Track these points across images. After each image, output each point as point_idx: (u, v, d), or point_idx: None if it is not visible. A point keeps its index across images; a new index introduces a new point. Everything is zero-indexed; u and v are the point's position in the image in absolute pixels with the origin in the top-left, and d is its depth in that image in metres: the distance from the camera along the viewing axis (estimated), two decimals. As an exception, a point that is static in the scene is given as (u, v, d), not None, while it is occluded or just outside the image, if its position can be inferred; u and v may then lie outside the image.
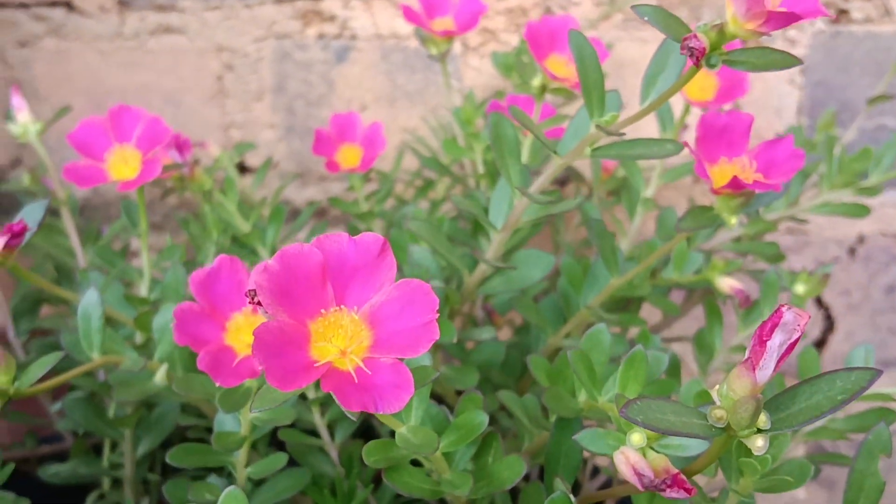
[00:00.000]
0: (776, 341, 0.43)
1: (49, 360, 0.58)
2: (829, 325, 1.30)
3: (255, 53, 1.34)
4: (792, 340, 0.43)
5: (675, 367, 0.82)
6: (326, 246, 0.46)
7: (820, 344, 1.32)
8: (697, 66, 0.53)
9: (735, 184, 0.64)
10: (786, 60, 0.54)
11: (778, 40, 1.18)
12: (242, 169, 1.41)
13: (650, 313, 0.99)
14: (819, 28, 1.16)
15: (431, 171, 1.08)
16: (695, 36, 0.53)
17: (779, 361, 0.44)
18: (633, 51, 1.24)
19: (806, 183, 0.95)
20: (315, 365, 0.43)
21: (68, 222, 0.91)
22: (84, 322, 0.66)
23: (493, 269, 0.72)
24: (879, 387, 1.30)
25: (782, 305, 0.43)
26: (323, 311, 0.46)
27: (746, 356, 0.45)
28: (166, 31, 1.35)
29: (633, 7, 0.56)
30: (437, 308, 0.45)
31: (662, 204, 1.24)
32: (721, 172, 0.68)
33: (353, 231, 1.00)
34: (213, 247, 0.94)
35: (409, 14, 0.92)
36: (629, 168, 0.93)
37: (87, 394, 0.78)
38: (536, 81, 0.88)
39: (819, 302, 1.29)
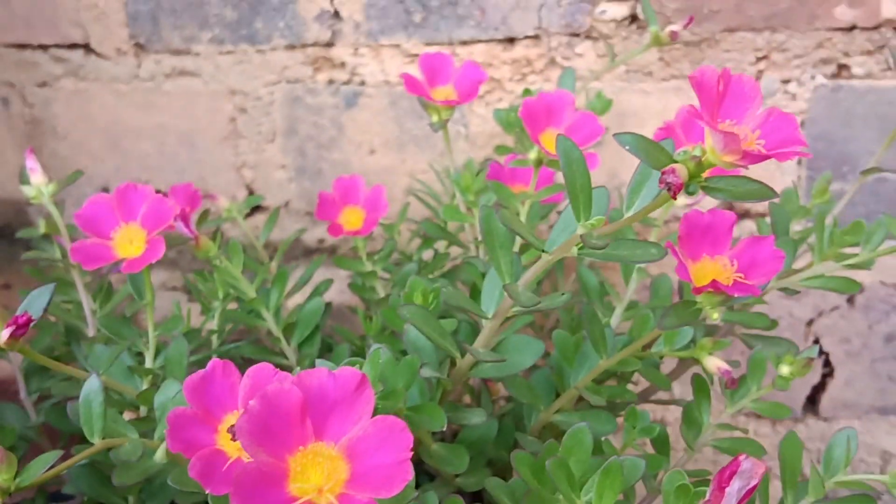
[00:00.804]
0: (734, 487, 0.46)
1: (49, 458, 0.61)
2: (830, 370, 1.32)
3: (267, 97, 1.36)
4: (749, 487, 0.46)
5: (663, 443, 0.84)
6: (307, 382, 0.48)
7: (819, 388, 1.34)
8: (674, 198, 0.55)
9: (714, 286, 0.66)
10: (762, 192, 0.56)
11: (778, 94, 1.19)
12: (255, 207, 1.44)
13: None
14: (820, 82, 1.17)
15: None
16: (672, 171, 0.55)
17: (738, 504, 0.46)
18: (635, 101, 1.25)
19: (799, 250, 0.97)
20: (292, 504, 0.46)
21: (79, 283, 0.94)
22: (85, 408, 0.69)
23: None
24: (878, 436, 1.32)
25: (740, 455, 0.46)
26: (301, 446, 0.48)
27: (707, 497, 0.47)
28: (181, 74, 1.38)
29: (614, 136, 0.58)
30: (411, 446, 0.47)
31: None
32: (703, 270, 0.69)
33: (358, 289, 1.03)
34: (219, 306, 0.97)
35: (410, 84, 0.94)
36: (625, 235, 0.95)
37: (92, 460, 0.81)
38: (533, 155, 0.90)
39: (818, 348, 1.30)
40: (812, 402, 1.35)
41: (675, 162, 0.57)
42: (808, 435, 1.36)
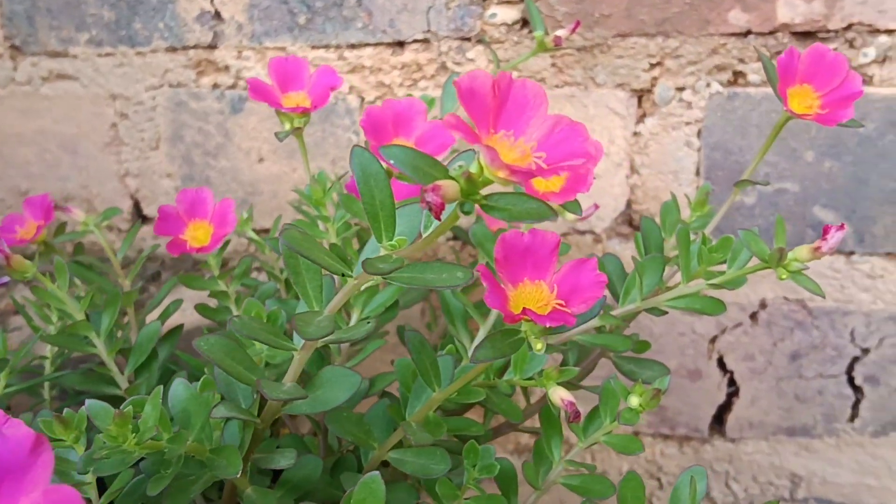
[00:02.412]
0: None
1: None
2: (735, 389, 1.26)
3: (149, 101, 1.30)
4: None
5: (508, 480, 0.78)
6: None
7: (726, 408, 1.28)
8: (438, 218, 0.49)
9: (526, 315, 0.60)
10: (541, 211, 0.50)
11: (673, 102, 1.13)
12: (144, 219, 1.37)
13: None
14: (715, 90, 1.12)
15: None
16: (434, 189, 0.48)
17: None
18: (529, 108, 1.19)
19: (671, 269, 0.92)
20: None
21: None
22: None
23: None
24: (786, 457, 1.26)
25: None
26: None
27: None
28: (60, 77, 1.31)
29: (380, 149, 0.51)
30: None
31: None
32: (522, 296, 0.63)
33: (206, 311, 0.96)
34: (53, 329, 0.91)
35: (255, 89, 0.87)
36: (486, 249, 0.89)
37: None
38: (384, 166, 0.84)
39: (722, 366, 1.25)
40: (719, 422, 1.30)
41: (450, 178, 0.51)
42: (714, 456, 1.30)
